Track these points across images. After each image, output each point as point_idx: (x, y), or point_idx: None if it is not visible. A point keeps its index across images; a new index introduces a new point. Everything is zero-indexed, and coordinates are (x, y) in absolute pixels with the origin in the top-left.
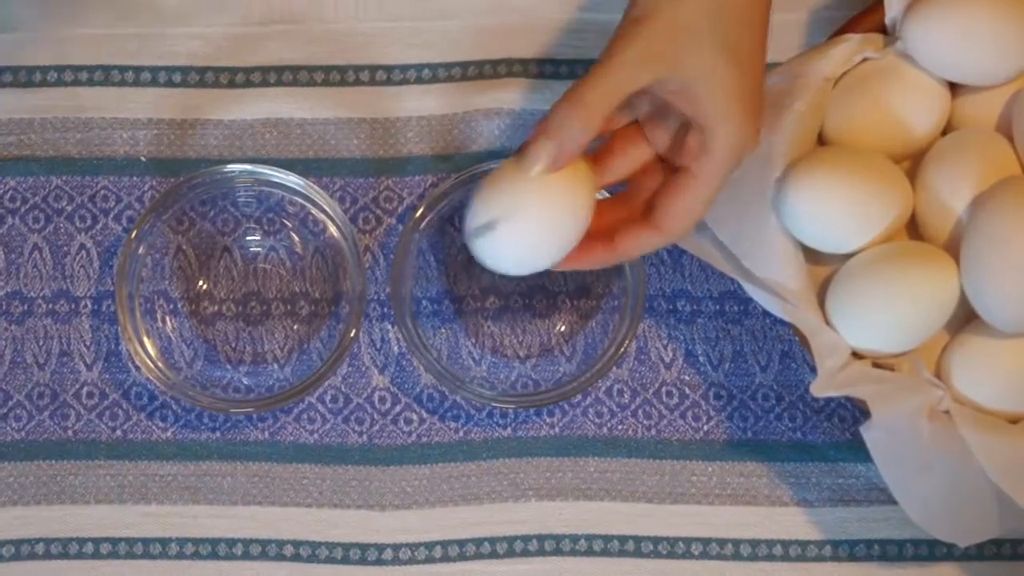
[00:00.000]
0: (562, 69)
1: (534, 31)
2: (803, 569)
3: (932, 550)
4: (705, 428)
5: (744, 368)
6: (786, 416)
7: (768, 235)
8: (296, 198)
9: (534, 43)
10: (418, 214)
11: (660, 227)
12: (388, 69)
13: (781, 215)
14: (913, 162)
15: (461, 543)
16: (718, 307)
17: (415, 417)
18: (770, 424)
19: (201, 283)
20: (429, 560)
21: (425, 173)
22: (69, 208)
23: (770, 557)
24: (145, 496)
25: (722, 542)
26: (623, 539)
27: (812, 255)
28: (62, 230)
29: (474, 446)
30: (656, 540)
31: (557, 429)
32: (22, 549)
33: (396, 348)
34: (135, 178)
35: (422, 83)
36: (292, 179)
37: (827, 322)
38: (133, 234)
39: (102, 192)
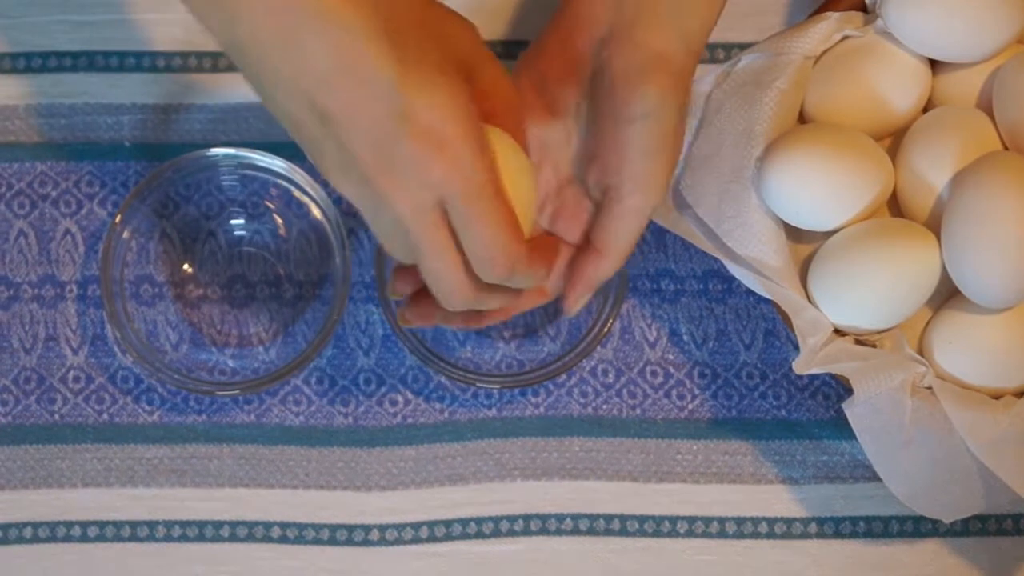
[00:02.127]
0: None
1: (514, 13)
2: (788, 546)
3: (917, 526)
4: (690, 407)
5: (728, 347)
6: (770, 394)
7: (749, 213)
8: (280, 181)
9: (514, 24)
10: None
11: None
12: None
13: (762, 193)
14: (894, 139)
15: (447, 523)
16: (701, 286)
17: (400, 398)
18: (754, 402)
19: (186, 267)
20: (416, 540)
21: None
22: (54, 193)
23: (755, 535)
24: (132, 479)
25: (707, 520)
26: (609, 518)
27: (793, 233)
28: (47, 215)
29: (459, 426)
30: (642, 519)
31: (542, 409)
32: (10, 533)
33: (381, 330)
34: (119, 163)
35: None
36: (276, 163)
37: (809, 300)
38: (118, 219)
39: (87, 177)
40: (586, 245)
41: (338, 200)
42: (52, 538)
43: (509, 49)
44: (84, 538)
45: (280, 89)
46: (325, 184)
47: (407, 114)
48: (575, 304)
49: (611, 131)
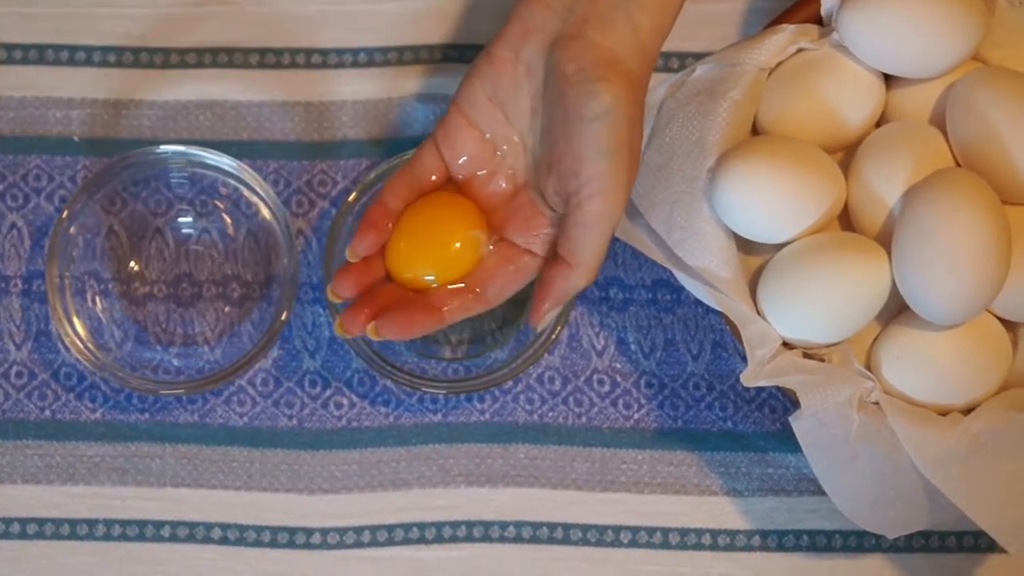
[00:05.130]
0: None
1: (471, 16)
2: (731, 559)
3: (860, 541)
4: (636, 416)
5: (675, 357)
6: (717, 405)
7: (700, 224)
8: (229, 180)
9: (471, 28)
10: (351, 198)
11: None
12: (324, 52)
13: (714, 204)
14: (847, 153)
15: (390, 528)
16: (650, 295)
17: (345, 401)
18: (701, 413)
19: (132, 264)
20: (357, 545)
21: (360, 157)
22: (1, 187)
23: (698, 546)
24: (73, 477)
25: (651, 530)
26: (552, 526)
27: (744, 245)
28: None
29: (404, 431)
30: (585, 528)
31: (488, 415)
32: None
33: (327, 332)
34: (68, 158)
35: (358, 67)
36: (225, 161)
37: (758, 312)
38: (65, 214)
39: (34, 171)
40: (555, 257)
41: (287, 200)
42: None
43: (464, 53)
44: (23, 535)
45: None
46: (275, 183)
47: None
48: (542, 318)
49: (565, 134)
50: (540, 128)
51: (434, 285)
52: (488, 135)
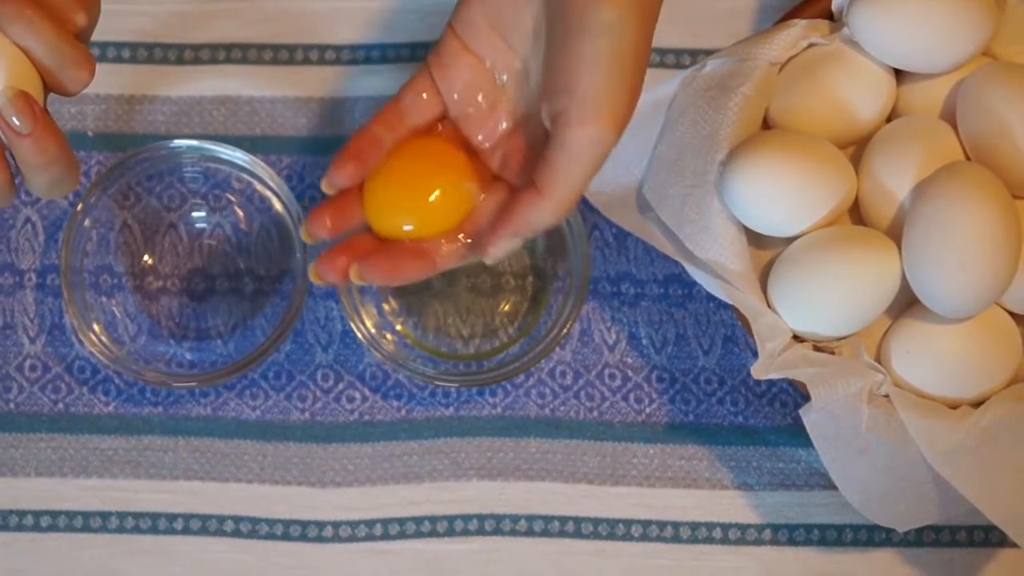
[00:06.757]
0: None
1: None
2: (742, 552)
3: (871, 535)
4: (647, 411)
5: (687, 351)
6: (728, 400)
7: (711, 218)
8: (242, 175)
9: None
10: None
11: (548, 192)
12: (337, 49)
13: (724, 198)
14: (857, 148)
15: (402, 521)
16: (662, 290)
17: (358, 395)
18: (712, 408)
19: (146, 258)
20: (370, 538)
21: None
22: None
23: (709, 540)
24: (86, 469)
25: (662, 524)
26: (563, 520)
27: (755, 238)
28: None
29: (416, 425)
30: (596, 521)
31: (500, 409)
32: None
33: (340, 326)
34: (82, 153)
35: (370, 63)
36: (239, 156)
37: (769, 305)
38: (79, 208)
39: None
40: (527, 183)
41: (300, 195)
42: (4, 527)
43: None
44: (36, 527)
45: None
46: (288, 178)
47: None
48: (495, 246)
49: (563, 48)
50: (542, 52)
51: (416, 237)
52: (488, 63)
